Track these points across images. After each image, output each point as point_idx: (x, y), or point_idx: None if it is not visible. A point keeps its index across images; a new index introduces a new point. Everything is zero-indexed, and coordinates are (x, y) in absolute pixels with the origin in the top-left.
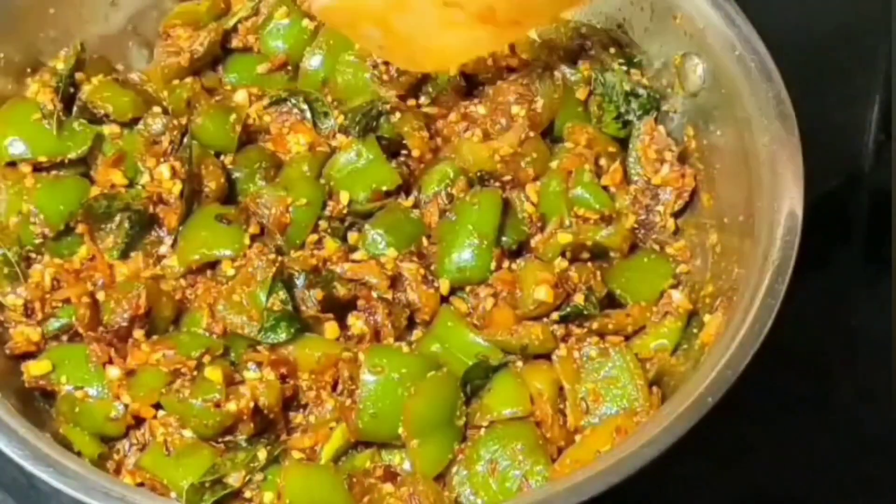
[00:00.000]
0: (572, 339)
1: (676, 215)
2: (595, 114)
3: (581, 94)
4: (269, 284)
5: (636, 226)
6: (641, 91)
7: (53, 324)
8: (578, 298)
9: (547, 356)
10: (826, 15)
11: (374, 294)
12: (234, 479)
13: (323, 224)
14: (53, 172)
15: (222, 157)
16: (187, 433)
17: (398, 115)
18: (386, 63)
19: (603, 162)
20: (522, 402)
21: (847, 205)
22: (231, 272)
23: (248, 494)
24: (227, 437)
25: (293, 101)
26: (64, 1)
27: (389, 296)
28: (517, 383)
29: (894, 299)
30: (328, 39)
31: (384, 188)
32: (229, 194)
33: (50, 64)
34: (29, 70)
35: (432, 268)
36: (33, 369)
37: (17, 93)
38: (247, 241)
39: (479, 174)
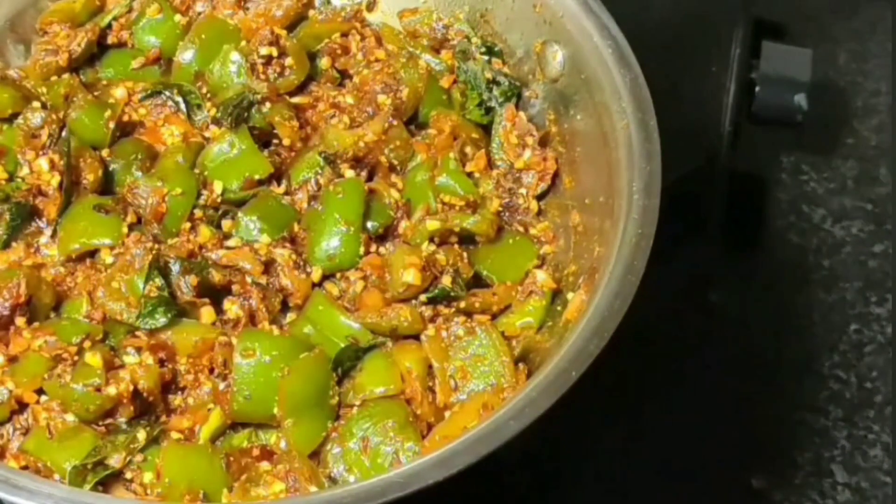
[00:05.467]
0: (440, 319)
1: (539, 198)
2: (458, 101)
3: (445, 82)
4: (146, 272)
5: (501, 209)
6: (502, 79)
7: None
8: (446, 280)
9: (416, 336)
10: (682, 2)
11: (249, 279)
12: (115, 461)
13: (198, 212)
14: None
15: (100, 150)
16: (69, 417)
17: (268, 105)
18: (267, 63)
19: (468, 149)
20: (393, 381)
21: (705, 186)
22: (110, 260)
23: (128, 475)
24: (108, 420)
25: (167, 93)
26: None
27: (263, 281)
28: (388, 363)
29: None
30: (200, 34)
31: (256, 177)
32: (107, 185)
33: None
34: None
35: (304, 255)
36: None
37: None
38: (125, 230)
39: (345, 159)
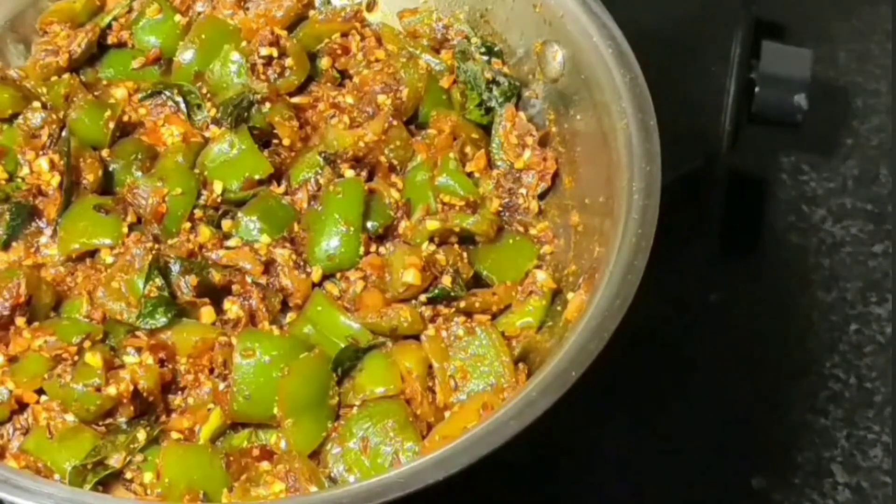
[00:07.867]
0: (440, 319)
1: (539, 198)
2: (458, 101)
3: (445, 82)
4: (146, 272)
5: (501, 209)
6: (502, 79)
7: None
8: (446, 280)
9: (416, 336)
10: (682, 2)
11: (249, 279)
12: (115, 461)
13: (198, 212)
14: None
15: (100, 150)
16: (69, 417)
17: (268, 105)
18: (267, 63)
19: (468, 150)
20: (393, 381)
21: (705, 186)
22: (110, 260)
23: (128, 475)
24: (108, 420)
25: (167, 93)
26: None
27: (263, 281)
28: (388, 363)
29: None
30: (200, 34)
31: (256, 177)
32: (107, 185)
33: None
34: None
35: (304, 255)
36: None
37: None
38: (125, 230)
39: (345, 159)
